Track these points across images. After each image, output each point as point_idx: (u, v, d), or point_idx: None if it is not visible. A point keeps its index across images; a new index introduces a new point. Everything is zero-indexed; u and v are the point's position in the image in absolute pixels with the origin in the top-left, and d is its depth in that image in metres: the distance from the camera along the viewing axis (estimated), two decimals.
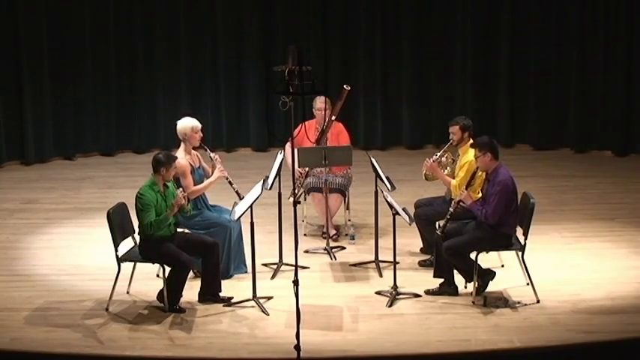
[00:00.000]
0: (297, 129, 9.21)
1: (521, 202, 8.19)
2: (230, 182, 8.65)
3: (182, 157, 8.45)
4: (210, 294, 8.09)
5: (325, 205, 9.49)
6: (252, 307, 7.95)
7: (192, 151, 8.68)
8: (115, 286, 7.98)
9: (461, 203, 8.18)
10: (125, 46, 13.48)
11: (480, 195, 8.21)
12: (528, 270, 8.11)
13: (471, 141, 8.76)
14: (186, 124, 8.63)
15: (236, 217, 8.01)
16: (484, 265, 8.16)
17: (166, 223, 7.91)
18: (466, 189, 8.18)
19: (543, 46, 13.37)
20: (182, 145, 8.62)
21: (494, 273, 8.16)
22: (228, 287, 8.26)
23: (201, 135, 8.67)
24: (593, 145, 13.38)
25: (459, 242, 8.02)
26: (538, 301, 7.99)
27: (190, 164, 8.54)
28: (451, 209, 8.21)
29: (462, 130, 8.79)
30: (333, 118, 9.56)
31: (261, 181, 8.29)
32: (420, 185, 9.96)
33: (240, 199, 8.40)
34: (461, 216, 8.48)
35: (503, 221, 7.92)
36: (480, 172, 8.22)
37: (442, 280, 8.19)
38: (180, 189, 8.08)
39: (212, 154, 8.75)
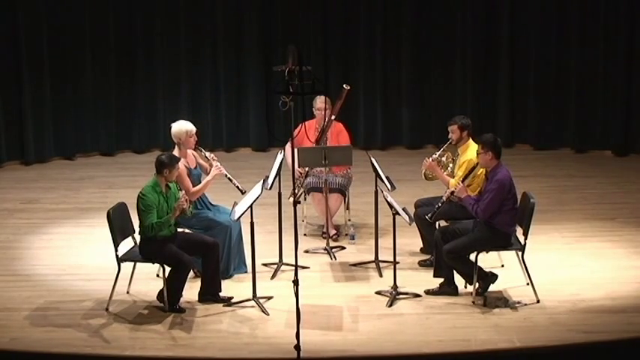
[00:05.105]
0: (297, 129, 9.20)
1: (521, 202, 8.19)
2: (230, 179, 8.64)
3: None
4: (210, 294, 8.09)
5: (325, 205, 9.48)
6: (252, 307, 7.95)
7: (187, 151, 8.65)
8: (115, 286, 7.98)
9: (454, 194, 8.20)
10: (125, 46, 13.48)
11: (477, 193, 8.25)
12: (528, 270, 8.11)
13: (471, 140, 8.80)
14: (181, 128, 8.58)
15: (236, 217, 7.99)
16: (485, 266, 8.16)
17: (168, 225, 7.91)
18: (462, 182, 8.21)
19: (543, 46, 13.36)
20: (176, 148, 8.59)
21: (496, 276, 8.14)
22: (228, 287, 8.26)
23: (196, 139, 8.64)
24: (593, 145, 13.38)
25: (458, 244, 8.01)
26: (538, 301, 7.99)
27: (186, 166, 8.52)
28: (444, 198, 8.28)
29: (461, 129, 8.81)
30: (333, 117, 9.56)
31: (261, 181, 8.29)
32: (420, 185, 9.96)
33: (243, 193, 8.40)
34: (458, 215, 8.49)
35: (494, 218, 7.92)
36: (480, 169, 8.23)
37: (442, 280, 8.19)
38: (183, 192, 8.07)
39: (207, 154, 8.74)
